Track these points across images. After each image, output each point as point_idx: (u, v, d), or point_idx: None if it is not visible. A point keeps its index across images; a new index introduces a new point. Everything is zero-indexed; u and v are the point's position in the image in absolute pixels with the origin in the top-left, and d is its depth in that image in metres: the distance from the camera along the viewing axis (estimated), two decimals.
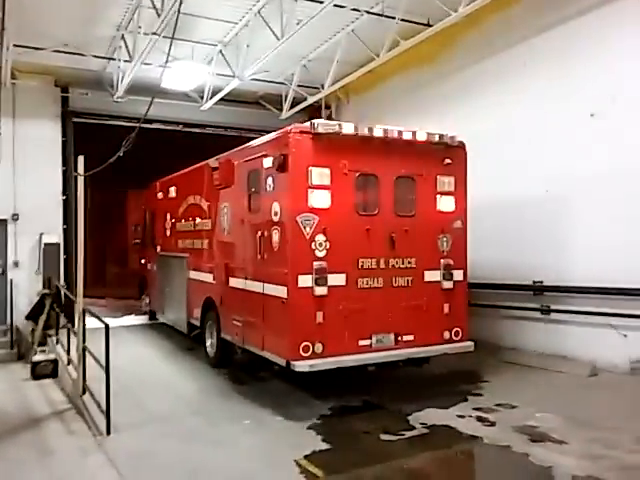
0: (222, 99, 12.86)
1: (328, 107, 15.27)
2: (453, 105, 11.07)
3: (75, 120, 13.08)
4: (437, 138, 7.50)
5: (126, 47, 10.40)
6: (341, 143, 6.92)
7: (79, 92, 12.81)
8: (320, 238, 6.71)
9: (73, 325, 7.74)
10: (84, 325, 7.36)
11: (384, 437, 5.91)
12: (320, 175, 6.73)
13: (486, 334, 10.07)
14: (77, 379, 7.33)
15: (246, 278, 7.82)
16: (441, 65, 11.42)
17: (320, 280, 6.65)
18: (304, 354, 6.53)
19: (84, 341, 7.25)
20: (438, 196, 7.60)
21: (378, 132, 7.16)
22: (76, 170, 8.09)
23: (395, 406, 6.89)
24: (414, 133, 7.39)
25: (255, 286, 7.50)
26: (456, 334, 7.59)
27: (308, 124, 6.79)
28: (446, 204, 7.65)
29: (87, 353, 7.05)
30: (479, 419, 6.41)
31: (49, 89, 12.49)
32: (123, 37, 10.40)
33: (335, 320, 6.74)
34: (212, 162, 9.27)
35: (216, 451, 5.68)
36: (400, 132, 7.32)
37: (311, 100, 13.51)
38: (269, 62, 10.77)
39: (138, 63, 10.07)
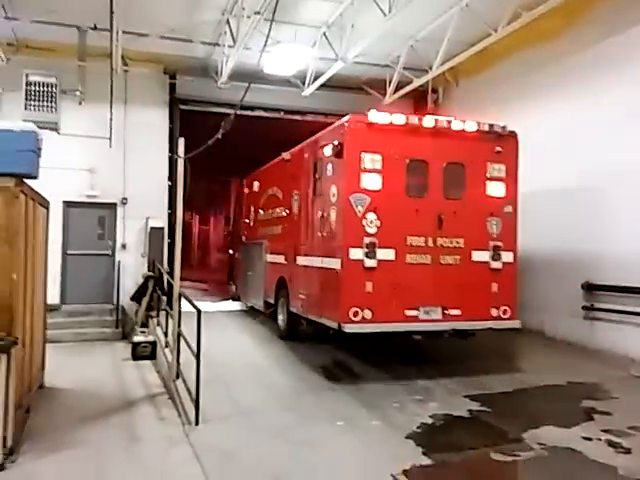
0: (324, 85, 12.45)
1: (435, 91, 14.37)
2: (571, 88, 9.94)
3: (181, 107, 13.31)
4: (487, 127, 7.94)
5: (230, 32, 10.30)
6: (393, 131, 7.58)
7: (185, 79, 13.01)
8: (371, 216, 7.41)
9: (172, 308, 7.77)
10: (180, 309, 7.30)
11: (495, 456, 5.16)
12: (372, 160, 7.44)
13: (612, 343, 8.89)
14: (171, 363, 7.29)
15: (309, 255, 8.68)
16: (563, 43, 10.17)
17: (370, 253, 7.37)
18: (354, 318, 7.26)
19: (179, 325, 7.19)
20: (488, 182, 8.03)
21: (428, 122, 7.71)
22: (177, 153, 8.09)
23: (506, 420, 6.08)
24: (463, 122, 7.85)
25: (316, 261, 8.35)
26: (504, 312, 7.93)
27: (363, 115, 7.49)
28: (496, 189, 8.05)
29: (181, 338, 6.96)
30: (610, 444, 5.44)
31: (158, 76, 12.79)
32: (228, 22, 10.30)
33: (384, 290, 7.38)
34: (286, 155, 10.32)
35: (305, 454, 5.27)
36: (449, 122, 7.82)
37: (417, 83, 12.70)
38: (374, 43, 10.18)
39: (241, 47, 9.94)
